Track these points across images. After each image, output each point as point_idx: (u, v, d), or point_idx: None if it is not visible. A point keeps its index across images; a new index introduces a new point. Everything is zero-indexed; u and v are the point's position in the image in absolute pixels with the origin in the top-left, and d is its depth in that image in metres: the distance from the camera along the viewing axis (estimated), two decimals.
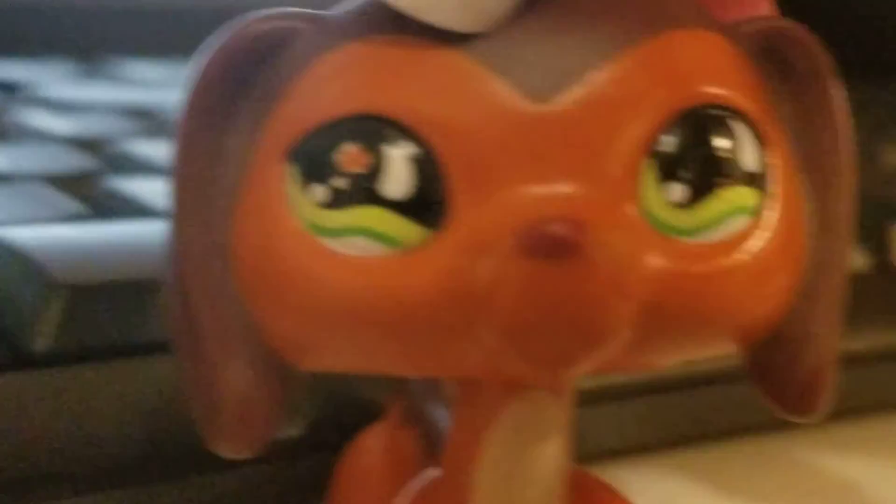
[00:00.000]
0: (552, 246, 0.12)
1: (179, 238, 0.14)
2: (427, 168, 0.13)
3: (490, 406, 0.14)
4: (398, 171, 0.13)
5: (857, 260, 0.30)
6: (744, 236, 0.13)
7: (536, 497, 0.15)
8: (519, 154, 0.13)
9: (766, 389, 0.15)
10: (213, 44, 0.14)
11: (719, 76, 0.14)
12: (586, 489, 0.16)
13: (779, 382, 0.15)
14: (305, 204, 0.13)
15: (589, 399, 0.21)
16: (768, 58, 0.14)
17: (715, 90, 0.13)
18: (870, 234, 0.30)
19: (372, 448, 0.19)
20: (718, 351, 0.14)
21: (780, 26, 0.14)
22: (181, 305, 0.14)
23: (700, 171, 0.13)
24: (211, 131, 0.14)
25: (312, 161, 0.13)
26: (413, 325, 0.13)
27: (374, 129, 0.13)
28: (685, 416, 0.25)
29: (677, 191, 0.13)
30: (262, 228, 0.13)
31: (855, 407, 0.28)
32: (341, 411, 0.21)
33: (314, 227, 0.13)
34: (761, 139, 0.14)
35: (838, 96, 0.14)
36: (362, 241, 0.13)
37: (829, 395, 0.15)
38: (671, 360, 0.14)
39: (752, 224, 0.13)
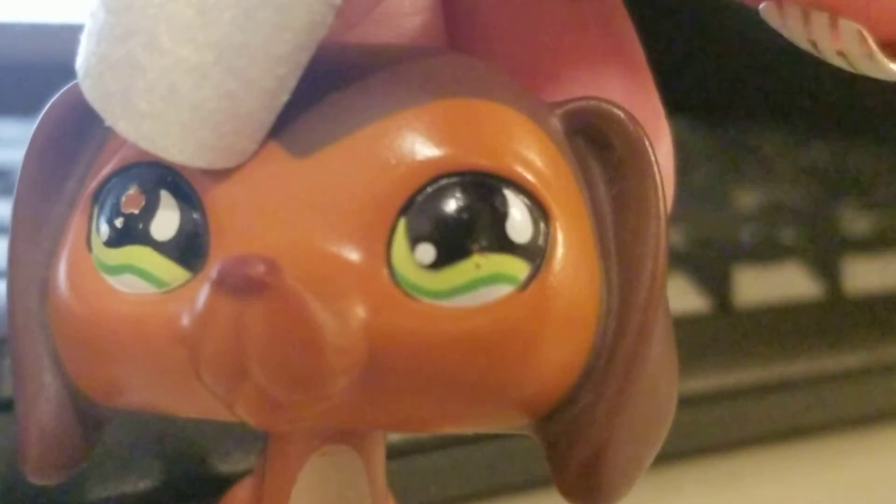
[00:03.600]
0: (237, 283, 0.12)
1: (11, 278, 0.15)
2: (191, 213, 0.13)
3: (295, 459, 0.15)
4: (165, 214, 0.13)
5: (701, 301, 0.30)
6: (499, 306, 0.13)
7: None
8: (267, 203, 0.13)
9: (551, 470, 0.14)
10: (58, 96, 0.15)
11: (502, 148, 0.13)
12: None
13: (562, 465, 0.14)
14: (96, 242, 0.14)
15: (427, 446, 0.23)
16: (587, 137, 0.14)
17: (487, 161, 0.13)
18: (714, 275, 0.31)
19: (241, 500, 0.18)
20: (494, 423, 0.14)
21: (598, 106, 0.14)
22: (11, 346, 0.15)
23: (451, 234, 0.13)
24: (53, 173, 0.15)
25: (104, 202, 0.14)
26: (159, 364, 0.13)
27: (155, 174, 0.13)
28: (526, 461, 0.25)
29: (426, 252, 0.13)
30: (66, 265, 0.14)
31: (700, 447, 0.28)
32: (199, 465, 0.21)
33: (99, 264, 0.14)
34: (546, 214, 0.13)
35: (655, 181, 0.14)
36: (133, 278, 0.13)
37: (612, 486, 0.14)
38: (437, 423, 0.14)
39: (514, 295, 0.13)
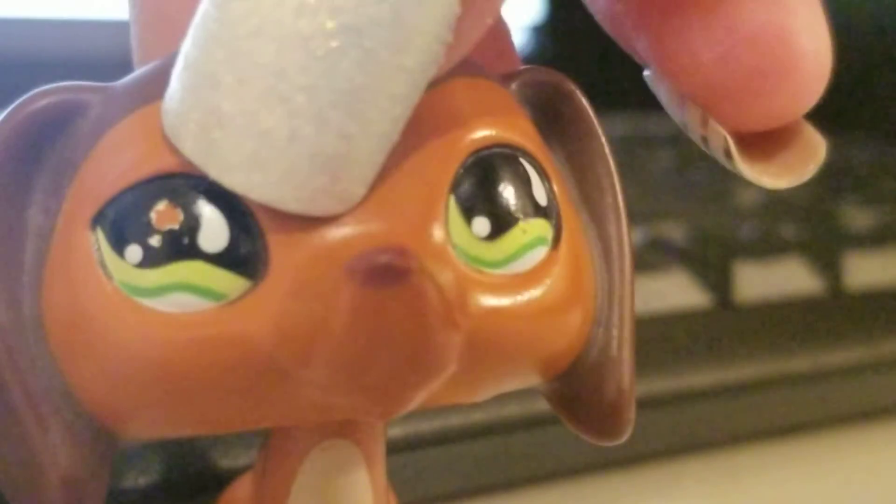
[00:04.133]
0: (382, 273, 0.12)
1: None
2: (240, 219, 0.13)
3: (296, 454, 0.15)
4: (212, 224, 0.13)
5: (702, 296, 0.30)
6: (544, 268, 0.14)
7: None
8: None
9: (571, 417, 0.15)
10: (2, 121, 0.14)
11: (503, 120, 0.14)
12: None
13: (584, 410, 0.15)
14: (119, 266, 0.13)
15: (428, 441, 0.23)
16: (536, 105, 0.15)
17: (502, 132, 0.14)
18: (714, 271, 0.31)
19: (241, 498, 0.18)
20: (524, 384, 0.15)
21: (543, 77, 0.15)
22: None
23: (500, 205, 0.14)
24: (10, 206, 0.14)
25: (122, 223, 0.13)
26: (244, 374, 0.13)
27: (183, 186, 0.13)
28: (525, 456, 0.25)
29: (481, 225, 0.13)
30: (72, 296, 0.13)
31: (700, 442, 0.28)
32: (200, 461, 0.21)
33: (130, 288, 0.13)
34: (546, 175, 0.14)
35: (601, 140, 0.15)
36: (182, 296, 0.13)
37: (632, 417, 0.15)
38: (485, 393, 0.14)
39: (549, 256, 0.14)
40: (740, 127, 0.15)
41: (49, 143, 0.14)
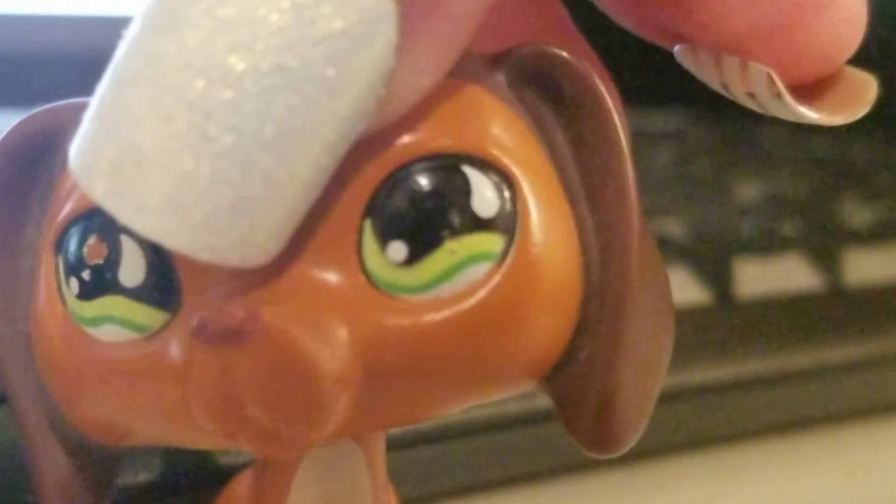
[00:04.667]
0: (218, 334, 0.12)
1: None
2: (159, 255, 0.13)
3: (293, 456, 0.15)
4: (131, 259, 0.13)
5: (702, 292, 0.30)
6: (485, 283, 0.13)
7: None
8: None
9: (565, 422, 0.14)
10: (4, 137, 0.14)
11: (448, 124, 0.13)
12: None
13: (573, 414, 0.14)
14: (68, 295, 0.13)
15: (429, 438, 0.22)
16: (534, 85, 0.14)
17: (437, 141, 0.13)
18: (714, 267, 0.31)
19: (241, 495, 0.18)
20: (502, 391, 0.14)
21: (536, 52, 0.14)
22: (12, 406, 0.14)
23: (419, 227, 0.13)
24: (7, 225, 0.14)
25: (68, 254, 0.13)
26: (158, 405, 0.13)
27: (109, 219, 0.12)
28: (525, 453, 0.25)
29: (397, 250, 0.13)
30: (45, 317, 0.14)
31: (701, 439, 0.28)
32: (199, 458, 0.21)
33: (77, 317, 0.13)
34: (507, 179, 0.13)
35: (611, 114, 0.14)
36: (113, 328, 0.13)
37: (628, 429, 0.14)
38: (440, 409, 0.14)
39: (494, 269, 0.13)
40: (782, 76, 0.14)
41: (40, 164, 0.14)
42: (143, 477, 0.20)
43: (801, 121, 0.15)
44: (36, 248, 0.14)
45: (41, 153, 0.14)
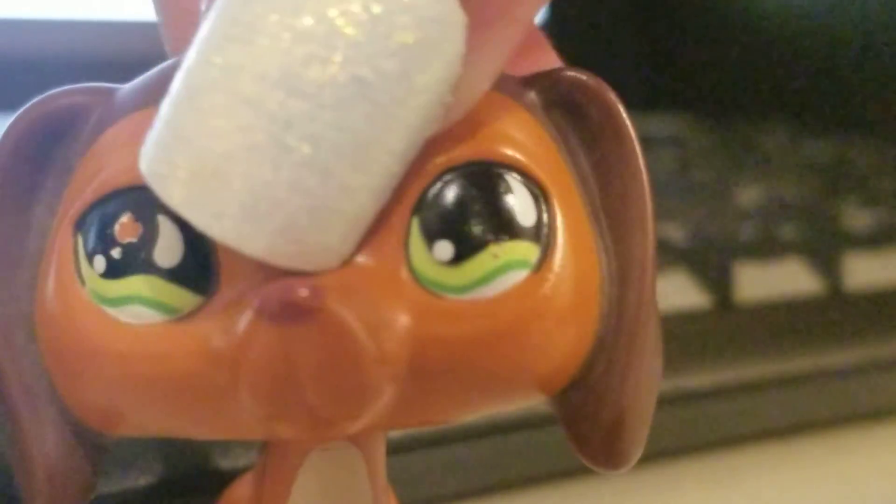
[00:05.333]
0: (283, 310, 0.12)
1: None
2: (196, 237, 0.13)
3: (296, 455, 0.15)
4: (168, 239, 0.13)
5: (701, 297, 0.30)
6: (523, 290, 0.13)
7: None
8: None
9: (573, 440, 0.15)
10: (14, 121, 0.14)
11: (492, 133, 0.14)
12: None
13: (583, 431, 0.15)
14: (90, 274, 0.13)
15: (429, 442, 0.23)
16: (564, 108, 0.14)
17: (485, 147, 0.13)
18: (714, 272, 0.31)
19: (241, 498, 0.18)
20: (518, 402, 0.14)
21: (571, 77, 0.15)
22: None
23: (466, 228, 0.13)
24: (16, 204, 0.14)
25: (93, 232, 0.13)
26: (186, 390, 0.13)
27: (146, 199, 0.13)
28: (525, 457, 0.25)
29: (444, 249, 0.13)
30: (56, 298, 0.14)
31: (701, 443, 0.28)
32: (200, 461, 0.21)
33: (97, 297, 0.13)
34: (543, 193, 0.14)
35: (633, 143, 0.14)
36: (139, 308, 0.13)
37: (636, 444, 0.15)
38: (458, 415, 0.14)
39: (531, 277, 0.13)
40: None
41: (58, 144, 0.14)
42: (142, 480, 0.20)
43: None
44: (45, 228, 0.14)
45: (56, 134, 0.14)
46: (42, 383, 0.14)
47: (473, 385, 0.13)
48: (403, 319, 0.13)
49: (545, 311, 0.13)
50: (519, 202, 0.13)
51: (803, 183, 0.43)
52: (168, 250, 0.13)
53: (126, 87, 0.14)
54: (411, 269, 0.13)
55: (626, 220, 0.15)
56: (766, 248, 0.33)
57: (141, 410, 0.13)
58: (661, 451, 0.27)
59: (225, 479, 0.19)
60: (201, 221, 0.12)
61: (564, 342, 0.14)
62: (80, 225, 0.13)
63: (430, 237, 0.13)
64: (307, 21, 0.12)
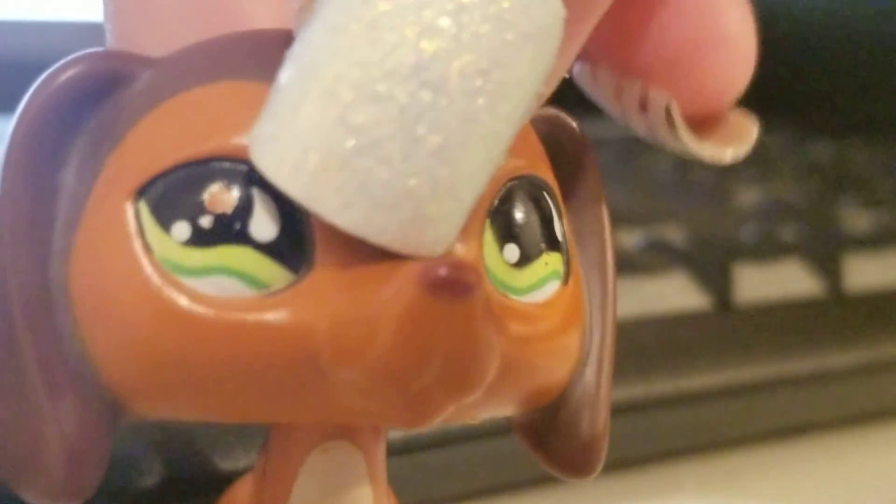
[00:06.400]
0: (450, 285, 0.12)
1: (6, 277, 0.13)
2: (291, 211, 0.13)
3: (297, 455, 0.15)
4: (264, 213, 0.13)
5: (702, 298, 0.30)
6: (556, 301, 0.14)
7: None
8: None
9: (539, 450, 0.16)
10: (45, 80, 0.14)
11: (531, 152, 0.15)
12: None
13: (556, 445, 0.15)
14: (162, 241, 0.13)
15: (429, 442, 0.23)
16: (543, 140, 0.15)
17: (531, 164, 0.14)
18: (714, 273, 0.31)
19: (241, 499, 0.18)
20: (509, 412, 0.15)
21: (559, 118, 0.16)
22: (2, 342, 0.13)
23: (529, 235, 0.14)
24: (41, 166, 0.13)
25: (173, 199, 0.13)
26: (278, 366, 0.13)
27: (240, 171, 0.13)
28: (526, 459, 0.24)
29: (512, 252, 0.14)
30: (103, 266, 0.13)
31: (701, 445, 0.28)
32: (201, 462, 0.21)
33: (172, 266, 0.13)
34: (560, 211, 0.15)
35: (596, 172, 0.16)
36: (225, 280, 0.13)
37: (604, 451, 0.15)
38: (484, 415, 0.14)
39: (563, 288, 0.14)
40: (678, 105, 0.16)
41: (89, 107, 0.14)
42: (143, 481, 0.20)
43: (686, 153, 0.16)
44: (77, 193, 0.13)
45: (88, 96, 0.14)
46: (72, 355, 0.13)
47: (515, 384, 0.14)
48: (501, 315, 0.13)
49: (573, 319, 0.14)
50: (555, 218, 0.14)
51: (803, 184, 0.43)
52: (264, 224, 0.13)
53: (176, 58, 0.14)
54: (485, 267, 0.13)
55: (589, 234, 0.16)
56: (766, 249, 0.33)
57: (205, 386, 0.13)
58: (662, 453, 0.27)
59: (225, 480, 0.19)
60: (328, 212, 0.12)
61: (574, 353, 0.15)
62: (144, 191, 0.13)
63: (502, 239, 0.14)
64: (433, 15, 0.12)
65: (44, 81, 0.14)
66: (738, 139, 0.16)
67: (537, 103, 0.13)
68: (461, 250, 0.13)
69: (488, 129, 0.12)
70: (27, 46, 0.44)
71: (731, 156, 0.16)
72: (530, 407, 0.15)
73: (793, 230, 0.35)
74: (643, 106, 0.16)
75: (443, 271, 0.12)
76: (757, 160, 0.48)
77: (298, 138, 0.12)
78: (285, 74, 0.13)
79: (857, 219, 0.38)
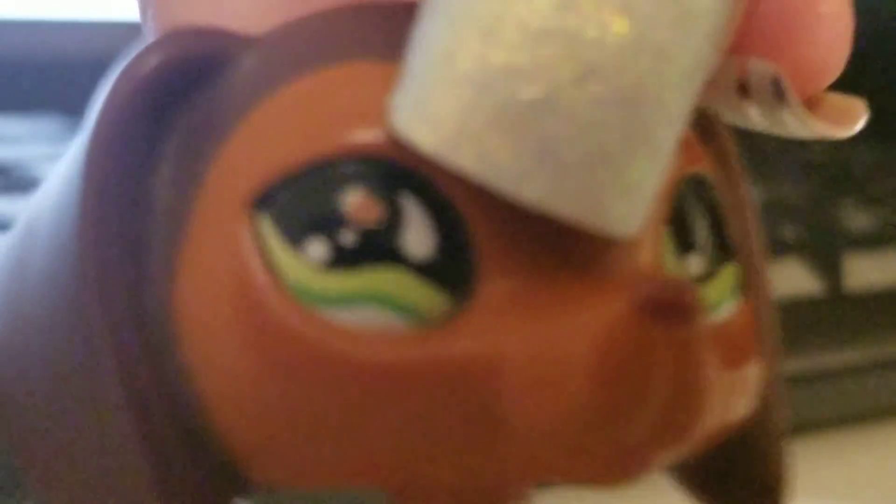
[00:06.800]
0: (669, 307, 0.10)
1: (91, 303, 0.10)
2: (450, 224, 0.10)
3: None
4: (419, 225, 0.10)
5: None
6: (739, 320, 0.12)
7: None
8: (535, 218, 0.10)
9: (715, 494, 0.13)
10: (124, 73, 0.11)
11: (696, 147, 0.12)
12: None
13: (737, 485, 0.13)
14: (293, 263, 0.10)
15: None
16: None
17: (696, 158, 0.12)
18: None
19: None
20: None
21: None
22: (84, 378, 0.10)
23: (709, 244, 0.12)
24: (127, 175, 0.11)
25: (303, 210, 0.10)
26: (446, 413, 0.10)
27: (385, 173, 0.10)
28: None
29: (696, 264, 0.12)
30: (220, 294, 0.10)
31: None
32: None
33: (305, 292, 0.10)
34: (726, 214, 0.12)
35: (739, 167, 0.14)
36: (374, 310, 0.10)
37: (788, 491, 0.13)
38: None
39: (743, 305, 0.12)
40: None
41: (179, 101, 0.11)
42: None
43: (797, 131, 0.15)
44: (177, 210, 0.11)
45: (178, 88, 0.11)
46: (178, 403, 0.10)
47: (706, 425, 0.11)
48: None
49: (758, 341, 0.12)
50: (726, 221, 0.12)
51: (803, 184, 0.43)
52: (420, 238, 0.10)
53: (282, 36, 0.11)
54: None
55: None
56: (766, 249, 0.33)
57: (347, 444, 0.10)
58: None
59: None
60: (507, 182, 0.10)
61: (760, 381, 0.12)
62: (266, 202, 0.10)
63: (682, 251, 0.12)
64: None
65: (124, 74, 0.11)
66: (847, 117, 0.15)
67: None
68: (648, 259, 0.11)
69: (683, 69, 0.10)
70: (28, 45, 0.44)
71: (843, 132, 0.15)
72: (704, 449, 0.12)
73: (793, 229, 0.35)
74: (743, 88, 0.14)
75: (659, 290, 0.10)
76: (757, 160, 0.48)
77: (457, 95, 0.10)
78: (427, 23, 0.10)
79: (857, 219, 0.38)
